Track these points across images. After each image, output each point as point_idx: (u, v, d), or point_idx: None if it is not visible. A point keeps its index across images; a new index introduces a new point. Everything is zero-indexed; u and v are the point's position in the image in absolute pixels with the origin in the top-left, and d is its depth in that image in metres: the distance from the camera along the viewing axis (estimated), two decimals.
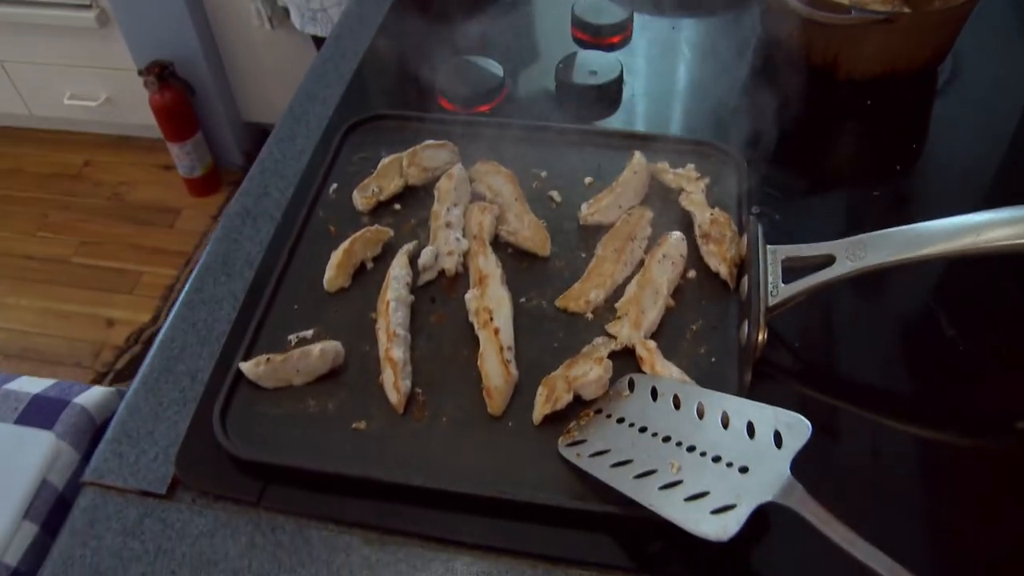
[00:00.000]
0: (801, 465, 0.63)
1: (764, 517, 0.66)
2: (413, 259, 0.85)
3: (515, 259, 0.86)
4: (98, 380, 2.28)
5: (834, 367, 0.81)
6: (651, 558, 0.68)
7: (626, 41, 1.15)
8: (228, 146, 2.79)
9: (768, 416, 0.68)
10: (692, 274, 0.84)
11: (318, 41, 1.82)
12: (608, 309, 0.81)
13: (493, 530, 0.69)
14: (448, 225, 0.87)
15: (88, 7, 2.50)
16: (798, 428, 0.66)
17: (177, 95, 2.53)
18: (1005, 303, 0.86)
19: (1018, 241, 0.71)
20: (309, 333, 0.81)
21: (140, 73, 2.49)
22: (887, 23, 0.99)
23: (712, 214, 0.85)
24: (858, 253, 0.76)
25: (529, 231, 0.86)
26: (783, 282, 0.78)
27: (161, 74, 2.48)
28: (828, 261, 0.77)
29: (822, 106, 1.05)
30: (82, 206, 2.78)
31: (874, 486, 0.72)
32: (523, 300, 0.83)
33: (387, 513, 0.70)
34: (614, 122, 1.03)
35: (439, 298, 0.84)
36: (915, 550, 0.67)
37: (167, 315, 2.37)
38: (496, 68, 1.05)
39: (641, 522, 0.66)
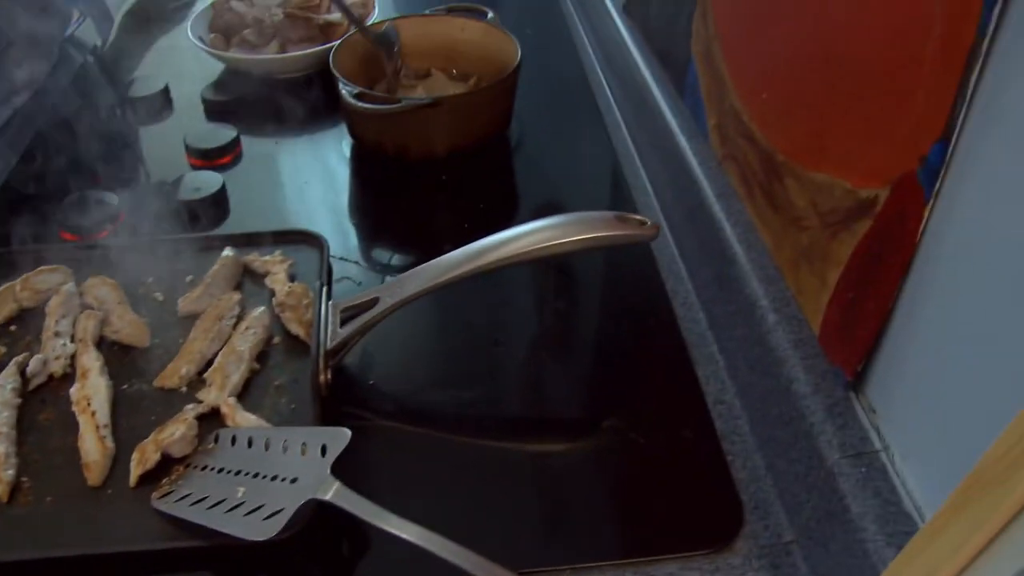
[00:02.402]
0: (360, 475, 0.76)
1: (365, 537, 0.79)
2: (24, 369, 0.94)
3: (119, 354, 0.96)
4: None
5: (405, 396, 0.95)
6: None
7: (237, 160, 1.31)
8: None
9: (317, 435, 0.81)
10: (277, 340, 0.97)
11: None
12: (201, 382, 0.93)
13: None
14: (57, 335, 0.96)
15: None
16: (339, 437, 0.79)
17: None
18: (544, 303, 1.04)
19: (514, 255, 0.86)
20: None
21: None
22: (432, 107, 1.17)
23: (289, 287, 1.00)
24: (396, 291, 0.90)
25: (130, 328, 0.97)
26: (340, 328, 0.92)
27: None
28: (374, 302, 0.91)
29: (408, 189, 1.24)
30: None
31: (430, 483, 0.85)
32: (125, 387, 0.92)
33: None
34: (224, 230, 1.17)
35: (49, 399, 0.92)
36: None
37: None
38: (111, 198, 1.17)
39: (228, 549, 0.76)
